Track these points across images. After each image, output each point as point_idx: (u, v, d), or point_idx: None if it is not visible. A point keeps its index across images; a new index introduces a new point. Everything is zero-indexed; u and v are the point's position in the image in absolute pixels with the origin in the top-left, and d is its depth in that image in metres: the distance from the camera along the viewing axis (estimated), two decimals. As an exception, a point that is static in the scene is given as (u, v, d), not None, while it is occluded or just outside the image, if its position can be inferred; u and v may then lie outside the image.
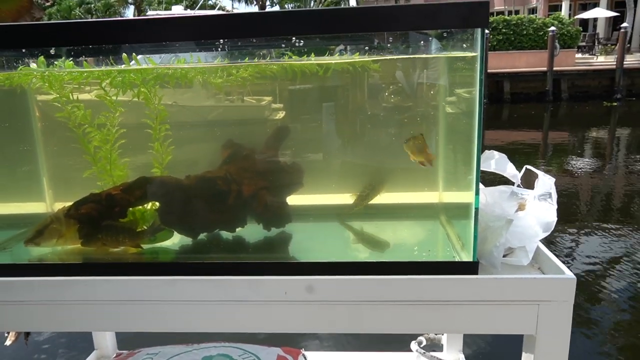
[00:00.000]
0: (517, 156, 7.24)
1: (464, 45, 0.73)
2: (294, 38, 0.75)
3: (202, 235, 0.89)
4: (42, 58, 0.81)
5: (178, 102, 0.91)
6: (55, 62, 0.83)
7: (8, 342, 1.22)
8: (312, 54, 0.82)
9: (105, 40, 0.74)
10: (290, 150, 0.92)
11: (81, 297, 0.77)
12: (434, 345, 1.35)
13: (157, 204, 0.89)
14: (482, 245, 0.77)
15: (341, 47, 0.87)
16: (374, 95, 0.92)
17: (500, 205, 0.83)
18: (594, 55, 16.73)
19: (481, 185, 0.77)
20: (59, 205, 0.90)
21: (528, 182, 0.90)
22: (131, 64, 0.82)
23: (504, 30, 14.02)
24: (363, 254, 0.91)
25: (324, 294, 0.74)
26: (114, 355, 1.38)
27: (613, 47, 16.49)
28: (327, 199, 0.97)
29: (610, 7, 20.04)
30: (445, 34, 0.76)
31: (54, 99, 0.86)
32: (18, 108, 0.95)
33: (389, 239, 0.94)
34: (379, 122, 0.93)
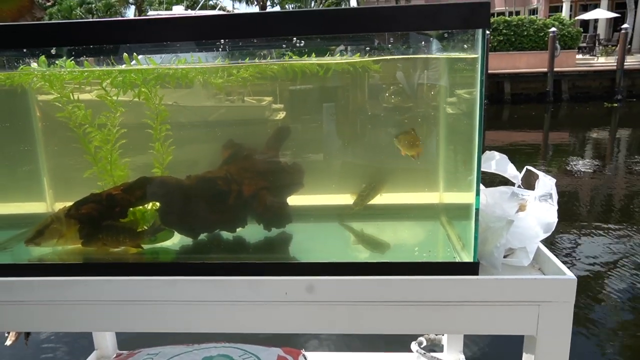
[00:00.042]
0: (517, 157, 7.24)
1: (465, 45, 0.73)
2: (294, 38, 0.75)
3: (202, 236, 0.89)
4: (43, 58, 0.81)
5: (179, 102, 0.91)
6: (56, 62, 0.83)
7: (8, 342, 1.22)
8: (313, 54, 0.82)
9: (106, 40, 0.74)
10: (290, 150, 0.92)
11: (81, 297, 0.77)
12: (434, 346, 1.35)
13: (158, 204, 0.89)
14: (483, 246, 0.77)
15: (342, 47, 0.87)
16: (374, 95, 0.92)
17: (501, 206, 0.83)
18: (595, 56, 16.72)
19: (482, 186, 0.77)
20: (59, 205, 0.90)
21: (529, 182, 0.89)
22: (132, 63, 0.82)
23: (504, 31, 14.01)
24: (363, 255, 0.91)
25: (324, 294, 0.74)
26: (114, 355, 1.38)
27: (614, 48, 16.48)
28: (328, 199, 0.97)
29: (610, 8, 20.03)
30: (446, 35, 0.76)
31: (54, 98, 0.86)
32: (19, 108, 0.95)
33: (389, 239, 0.94)
34: (379, 123, 0.93)
